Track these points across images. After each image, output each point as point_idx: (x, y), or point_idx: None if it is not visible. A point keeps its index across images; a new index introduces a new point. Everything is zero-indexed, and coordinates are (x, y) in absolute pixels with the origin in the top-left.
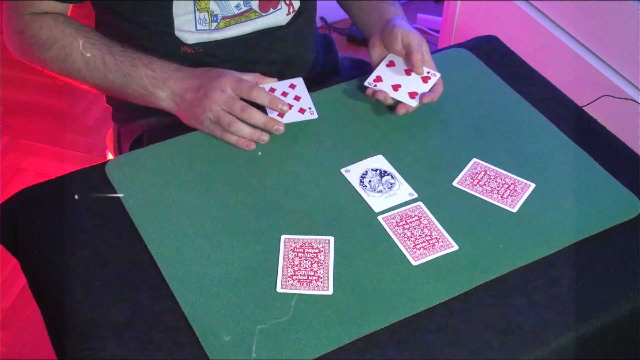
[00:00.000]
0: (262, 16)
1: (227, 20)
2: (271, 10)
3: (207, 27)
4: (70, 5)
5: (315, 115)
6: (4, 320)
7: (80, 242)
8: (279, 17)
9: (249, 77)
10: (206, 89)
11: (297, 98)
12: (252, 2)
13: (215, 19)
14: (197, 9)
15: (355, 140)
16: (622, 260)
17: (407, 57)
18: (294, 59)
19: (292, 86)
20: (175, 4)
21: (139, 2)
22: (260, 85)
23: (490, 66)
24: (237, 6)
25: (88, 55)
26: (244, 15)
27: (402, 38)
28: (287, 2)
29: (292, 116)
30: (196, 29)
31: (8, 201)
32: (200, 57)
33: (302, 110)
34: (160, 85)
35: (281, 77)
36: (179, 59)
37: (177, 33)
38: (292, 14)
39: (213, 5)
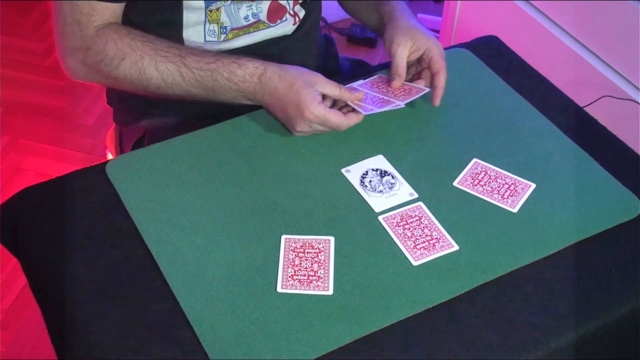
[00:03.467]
0: (270, 27)
1: (236, 31)
2: (278, 21)
3: (215, 39)
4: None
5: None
6: (4, 320)
7: (81, 242)
8: (286, 27)
9: (331, 89)
10: (293, 120)
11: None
12: (260, 14)
13: (224, 30)
14: (208, 20)
15: (356, 140)
16: (623, 260)
17: (431, 73)
18: (298, 65)
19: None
20: (185, 14)
21: (150, 11)
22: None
23: (491, 66)
24: (246, 18)
25: (163, 70)
26: (252, 27)
27: (423, 51)
28: (292, 13)
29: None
30: (205, 40)
31: (8, 201)
32: None
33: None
34: (249, 97)
35: None
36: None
37: (187, 44)
38: (297, 24)
39: (224, 17)
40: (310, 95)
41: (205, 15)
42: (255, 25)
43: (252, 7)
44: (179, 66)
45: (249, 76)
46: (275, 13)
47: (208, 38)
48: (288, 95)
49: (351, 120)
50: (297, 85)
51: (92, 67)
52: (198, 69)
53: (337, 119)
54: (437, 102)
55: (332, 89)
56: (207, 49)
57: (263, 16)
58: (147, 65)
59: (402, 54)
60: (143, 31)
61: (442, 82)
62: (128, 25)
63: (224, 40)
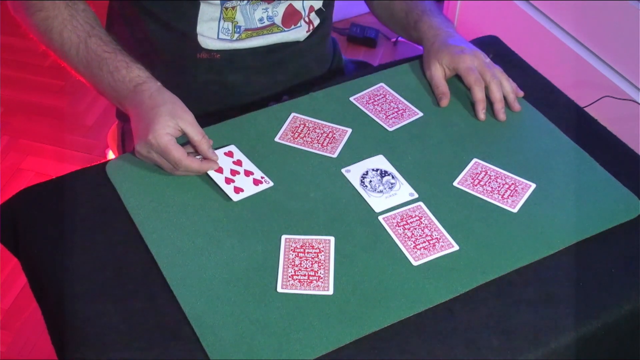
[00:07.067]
0: (284, 31)
1: (249, 32)
2: (292, 26)
3: (228, 37)
4: None
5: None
6: (4, 320)
7: (81, 241)
8: (299, 33)
9: (193, 132)
10: (137, 137)
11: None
12: (275, 17)
13: (238, 30)
14: (223, 18)
15: (356, 140)
16: (622, 260)
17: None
18: (305, 71)
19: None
20: (202, 9)
21: (167, 2)
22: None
23: None
24: (261, 20)
25: (65, 38)
26: (266, 29)
27: (455, 71)
28: (307, 20)
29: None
30: (218, 38)
31: (8, 201)
32: (216, 62)
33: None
34: (121, 101)
35: (286, 88)
36: (195, 63)
37: (199, 38)
38: (311, 31)
39: (239, 16)
40: (163, 123)
41: (221, 12)
42: (269, 28)
43: (268, 9)
44: (80, 41)
45: (128, 81)
46: (291, 18)
47: (221, 36)
48: (147, 114)
49: (192, 163)
50: (159, 109)
51: (17, 5)
52: (93, 52)
53: (177, 154)
54: (480, 116)
55: (194, 132)
56: (115, 43)
57: (278, 20)
58: (56, 26)
59: (436, 74)
60: (158, 22)
61: (477, 96)
62: (144, 16)
63: (237, 40)
